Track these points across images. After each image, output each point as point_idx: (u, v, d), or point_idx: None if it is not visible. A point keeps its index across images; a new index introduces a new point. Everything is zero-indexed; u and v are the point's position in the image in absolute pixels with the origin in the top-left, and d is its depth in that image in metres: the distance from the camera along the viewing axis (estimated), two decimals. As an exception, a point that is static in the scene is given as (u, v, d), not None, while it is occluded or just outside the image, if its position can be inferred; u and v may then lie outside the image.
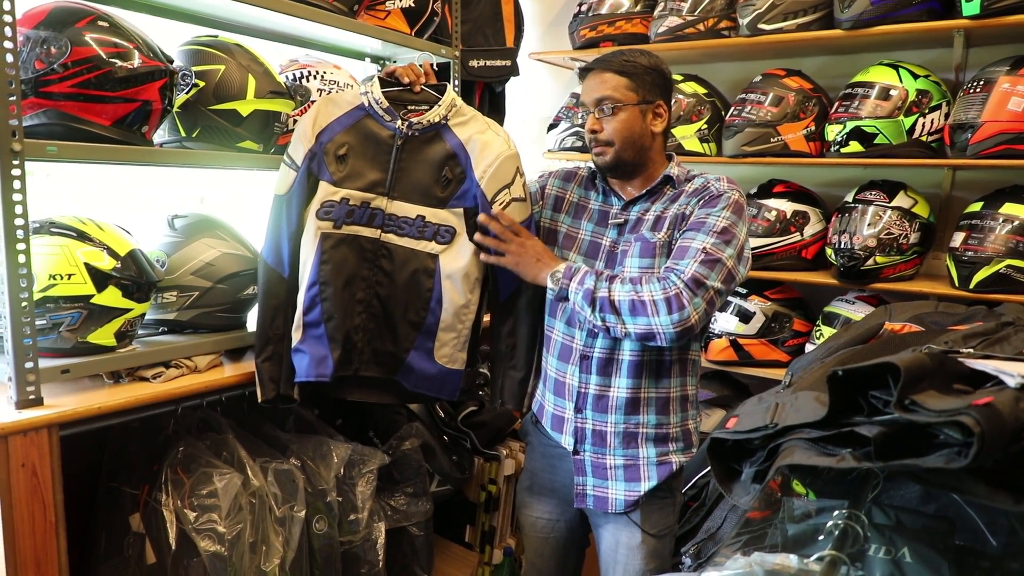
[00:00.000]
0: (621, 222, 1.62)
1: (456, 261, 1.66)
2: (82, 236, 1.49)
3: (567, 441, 1.65)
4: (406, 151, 1.64)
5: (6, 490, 1.31)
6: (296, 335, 1.64)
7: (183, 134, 1.63)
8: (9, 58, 1.28)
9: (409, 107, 1.67)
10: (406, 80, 1.67)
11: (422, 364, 1.69)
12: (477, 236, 1.65)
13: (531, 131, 3.07)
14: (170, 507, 1.52)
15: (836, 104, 2.30)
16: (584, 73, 1.63)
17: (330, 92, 1.89)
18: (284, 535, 1.63)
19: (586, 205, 1.69)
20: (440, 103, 1.65)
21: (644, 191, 1.62)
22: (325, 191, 1.61)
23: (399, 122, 1.63)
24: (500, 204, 1.64)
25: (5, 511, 1.32)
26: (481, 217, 1.64)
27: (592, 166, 1.73)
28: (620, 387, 1.59)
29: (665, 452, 1.61)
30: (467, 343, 1.72)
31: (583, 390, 1.61)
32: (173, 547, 1.50)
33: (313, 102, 1.87)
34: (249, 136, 1.69)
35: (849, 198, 2.35)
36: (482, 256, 1.65)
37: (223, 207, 2.05)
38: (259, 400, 1.67)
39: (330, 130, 1.63)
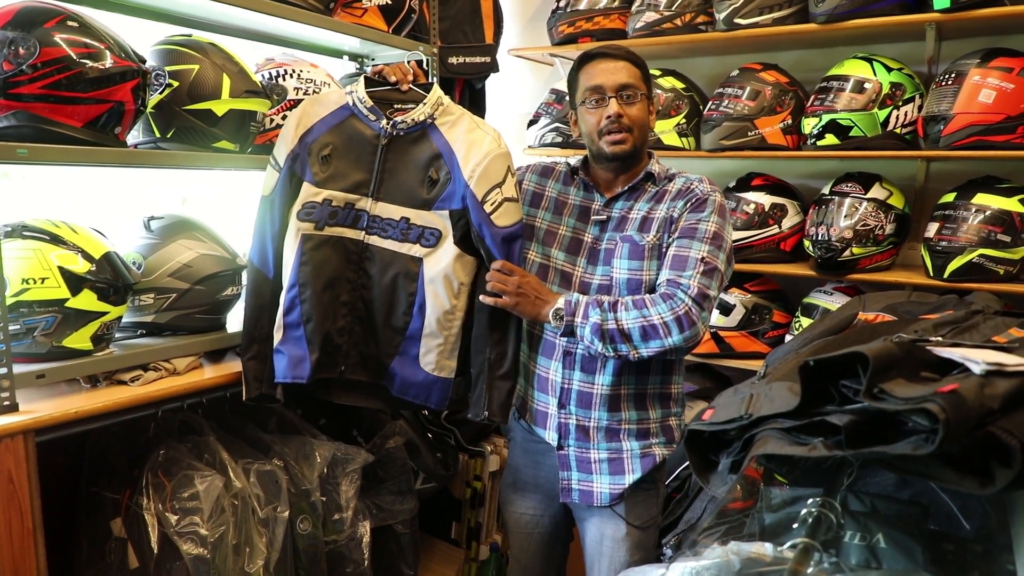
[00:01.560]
0: (603, 219, 1.62)
1: (441, 265, 1.62)
2: (55, 239, 1.48)
3: (551, 436, 1.66)
4: (391, 151, 1.62)
5: (-18, 497, 1.30)
6: (277, 335, 1.63)
7: (158, 135, 1.62)
8: (-24, 60, 1.26)
9: (395, 106, 1.65)
10: (393, 79, 1.65)
11: (407, 370, 1.66)
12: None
13: (512, 127, 3.07)
14: (152, 511, 1.51)
15: (812, 97, 2.32)
16: (588, 59, 1.61)
17: (307, 91, 1.88)
18: (268, 536, 1.63)
19: (566, 200, 1.69)
20: (425, 101, 1.63)
21: (627, 187, 1.62)
22: (307, 192, 1.60)
23: (384, 121, 1.61)
24: (491, 204, 1.59)
25: (-18, 518, 1.31)
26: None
27: (570, 162, 1.73)
28: (603, 384, 1.59)
29: (648, 445, 1.62)
30: (455, 351, 1.67)
31: (566, 386, 1.62)
32: (155, 551, 1.49)
33: (291, 101, 1.86)
34: (225, 136, 1.68)
35: (826, 190, 2.37)
36: (480, 297, 1.60)
37: (201, 208, 2.04)
38: (244, 398, 1.66)
39: (315, 131, 1.61)
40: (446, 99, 1.66)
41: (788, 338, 2.39)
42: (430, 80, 2.31)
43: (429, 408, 1.76)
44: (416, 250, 1.63)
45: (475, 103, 2.73)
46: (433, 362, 1.66)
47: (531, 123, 2.89)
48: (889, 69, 2.22)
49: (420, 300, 1.62)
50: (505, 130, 2.99)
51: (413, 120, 1.61)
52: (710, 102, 2.49)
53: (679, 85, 2.61)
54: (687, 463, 2.00)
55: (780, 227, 2.43)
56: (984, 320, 1.18)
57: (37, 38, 1.34)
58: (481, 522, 2.34)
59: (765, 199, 2.44)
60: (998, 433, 0.75)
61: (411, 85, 1.67)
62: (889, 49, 2.37)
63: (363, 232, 1.63)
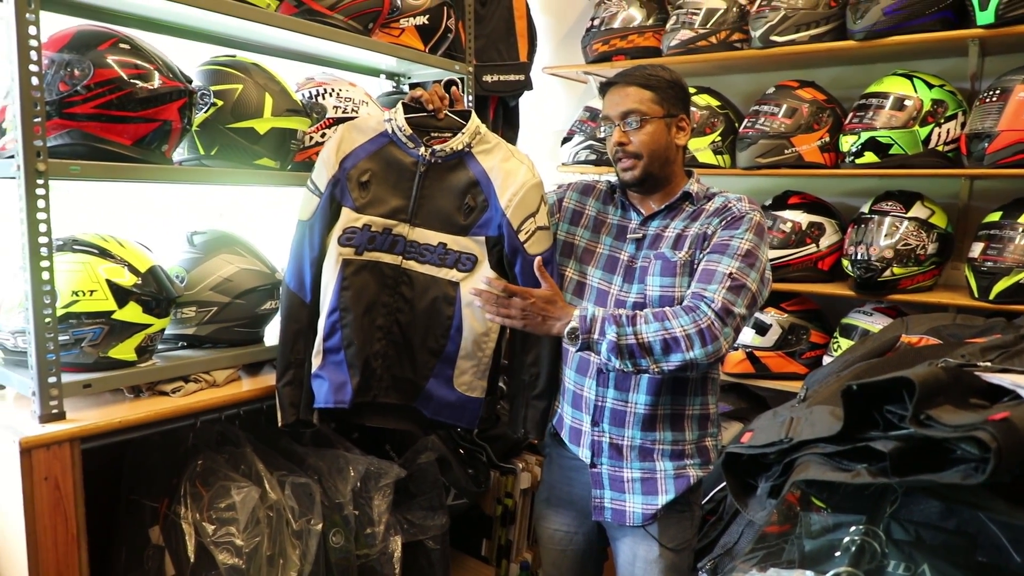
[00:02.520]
0: (639, 237, 1.62)
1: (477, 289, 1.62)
2: (104, 253, 1.52)
3: (584, 454, 1.65)
4: (429, 178, 1.63)
5: (29, 503, 1.33)
6: (316, 360, 1.63)
7: (202, 152, 1.66)
8: (35, 81, 1.31)
9: (432, 134, 1.66)
10: (430, 107, 1.66)
11: (441, 392, 1.67)
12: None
13: (545, 144, 3.09)
14: (189, 520, 1.53)
15: (850, 115, 2.29)
16: (606, 88, 1.63)
17: (346, 109, 1.91)
18: (301, 548, 1.64)
19: (605, 219, 1.69)
20: (464, 130, 1.64)
21: (663, 206, 1.62)
22: (347, 217, 1.61)
23: (422, 149, 1.63)
24: (526, 233, 1.61)
25: (28, 523, 1.34)
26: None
27: (611, 180, 1.73)
28: (638, 403, 1.58)
29: (682, 466, 1.60)
30: (487, 371, 1.69)
31: (600, 403, 1.61)
32: (192, 560, 1.51)
33: (330, 119, 1.90)
34: (266, 153, 1.72)
35: (865, 209, 2.33)
36: (488, 316, 1.57)
37: (241, 223, 2.08)
38: (279, 425, 1.67)
39: (353, 156, 1.62)
40: (483, 128, 1.67)
41: (826, 359, 2.36)
42: (466, 101, 2.35)
43: (461, 427, 1.78)
44: (453, 275, 1.64)
45: (509, 121, 2.75)
46: (467, 383, 1.68)
47: (565, 140, 2.90)
48: (930, 86, 2.19)
49: (457, 323, 1.64)
50: (538, 148, 3.03)
51: (452, 149, 1.63)
52: (746, 120, 2.48)
53: (714, 103, 2.60)
54: (722, 485, 1.97)
55: (818, 246, 2.40)
56: (1034, 345, 1.14)
57: (91, 60, 1.39)
58: (512, 540, 2.33)
59: (802, 217, 2.41)
60: (1052, 463, 0.72)
61: (448, 112, 1.68)
62: (930, 65, 2.34)
63: (400, 257, 1.64)
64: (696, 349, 1.41)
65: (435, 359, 1.66)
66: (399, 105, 1.66)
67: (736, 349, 2.46)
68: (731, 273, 1.46)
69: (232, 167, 1.69)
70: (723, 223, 1.54)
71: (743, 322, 1.47)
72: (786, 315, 2.44)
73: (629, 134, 1.57)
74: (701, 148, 2.55)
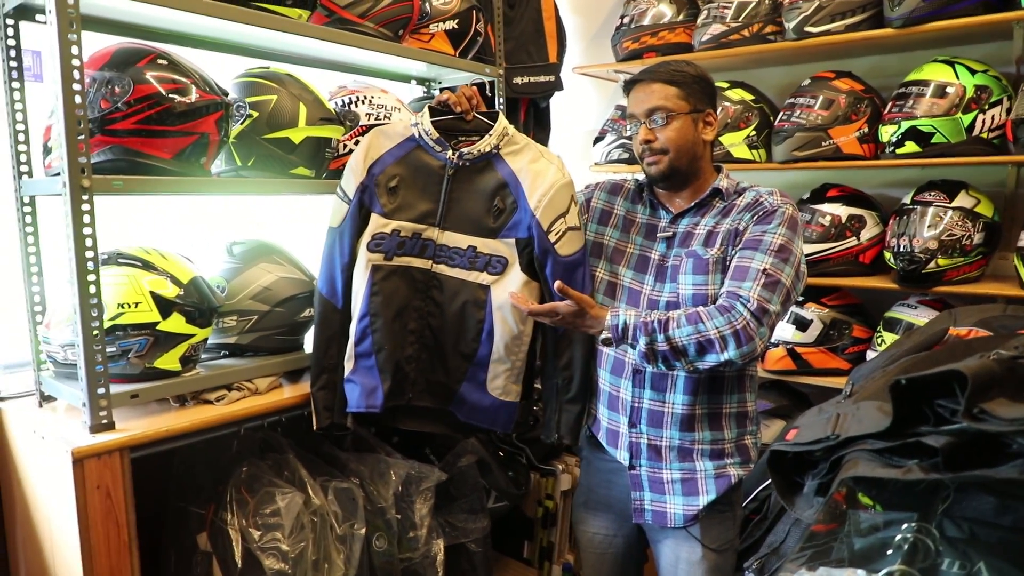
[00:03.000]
0: (669, 235, 1.60)
1: (508, 291, 1.62)
2: (147, 265, 1.56)
3: (622, 456, 1.64)
4: (457, 181, 1.64)
5: (83, 511, 1.37)
6: (348, 365, 1.65)
7: (239, 163, 1.69)
8: (78, 99, 1.35)
9: (460, 137, 1.66)
10: (458, 109, 1.67)
11: (474, 396, 1.68)
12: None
13: (577, 144, 3.08)
14: (235, 526, 1.56)
15: (890, 104, 2.24)
16: (630, 86, 1.62)
17: (378, 116, 1.93)
18: (346, 552, 1.65)
19: (634, 219, 1.68)
20: (491, 132, 1.64)
21: (693, 203, 1.60)
22: (376, 223, 1.62)
23: (450, 152, 1.63)
24: (556, 233, 1.61)
25: (82, 532, 1.37)
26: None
27: (639, 179, 1.72)
28: (675, 403, 1.57)
29: (723, 465, 1.58)
30: (521, 375, 1.69)
31: (637, 405, 1.60)
32: (239, 565, 1.54)
33: (363, 127, 1.92)
34: (302, 163, 1.74)
35: (907, 200, 2.28)
36: (526, 309, 1.57)
37: (279, 232, 2.11)
38: (315, 428, 1.69)
39: (381, 162, 1.64)
40: (511, 128, 1.67)
41: (869, 354, 2.31)
42: (496, 104, 2.35)
43: (495, 431, 1.77)
44: (484, 278, 1.64)
45: (540, 122, 2.76)
46: (500, 387, 1.67)
47: (597, 140, 2.89)
48: (973, 72, 2.13)
49: (488, 327, 1.63)
50: (570, 148, 3.02)
51: (480, 151, 1.63)
52: (781, 113, 2.44)
53: (748, 97, 2.56)
54: (766, 483, 1.94)
55: (858, 239, 2.35)
56: (1091, 334, 1.10)
57: (131, 76, 1.43)
58: (554, 542, 2.32)
59: (842, 210, 2.37)
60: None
61: (475, 114, 1.68)
62: (972, 51, 2.27)
63: (430, 261, 1.64)
64: (731, 350, 1.40)
65: (467, 363, 1.66)
66: (425, 109, 1.67)
67: (776, 345, 2.42)
68: (765, 269, 1.44)
69: (269, 177, 1.72)
70: (755, 218, 1.51)
71: (778, 318, 1.46)
72: (827, 310, 2.39)
73: (655, 131, 1.56)
74: (736, 143, 2.51)
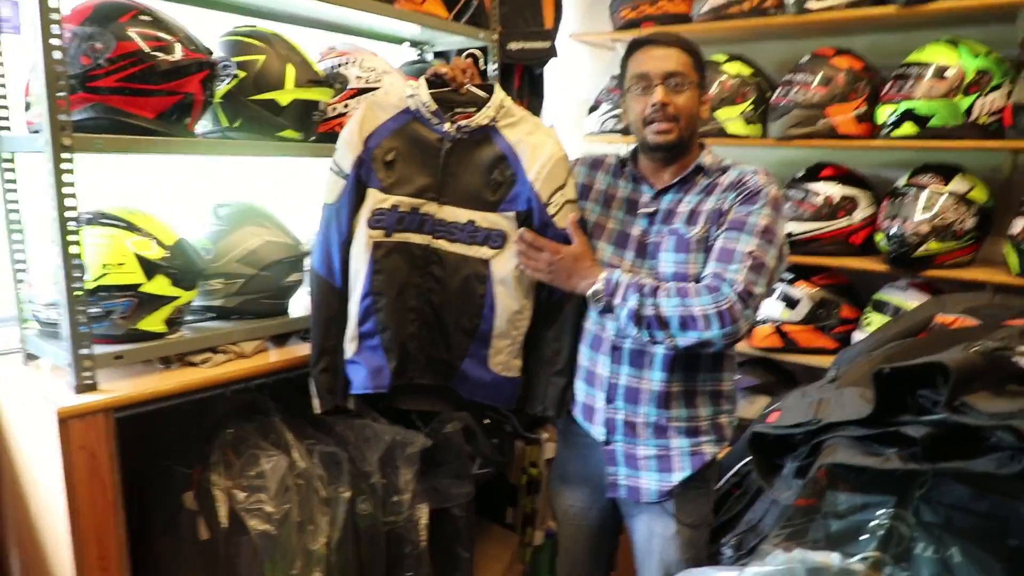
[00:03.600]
0: (652, 211, 1.58)
1: (508, 266, 1.60)
2: (131, 227, 1.53)
3: (598, 431, 1.64)
4: (455, 155, 1.60)
5: (69, 471, 1.37)
6: (350, 347, 1.62)
7: (225, 124, 1.65)
8: (57, 55, 1.31)
9: (456, 109, 1.62)
10: (453, 83, 1.62)
11: (476, 372, 1.66)
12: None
13: (571, 113, 3.03)
14: (221, 487, 1.56)
15: (889, 84, 2.21)
16: (639, 46, 1.57)
17: (368, 80, 1.89)
18: (330, 515, 1.67)
19: (615, 194, 1.65)
20: (489, 104, 1.60)
21: (676, 179, 1.58)
22: (375, 199, 1.58)
23: (447, 125, 1.59)
24: (555, 206, 1.59)
25: (69, 491, 1.37)
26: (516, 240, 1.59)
27: (619, 154, 1.69)
28: (652, 379, 1.56)
29: (698, 443, 1.59)
30: (521, 349, 1.67)
31: (614, 381, 1.60)
32: (225, 524, 1.54)
33: (353, 89, 1.87)
34: (289, 125, 1.70)
35: (901, 182, 2.26)
36: (518, 264, 1.59)
37: (265, 195, 2.08)
38: (317, 411, 1.67)
39: (377, 135, 1.59)
40: (508, 100, 1.63)
41: (856, 335, 2.31)
42: (488, 71, 2.30)
43: (497, 407, 1.76)
44: (484, 252, 1.61)
45: (534, 89, 2.70)
46: (503, 363, 1.66)
47: (592, 109, 2.85)
48: (975, 54, 2.09)
49: (490, 302, 1.61)
50: (564, 117, 2.97)
51: (477, 124, 1.59)
52: (779, 88, 2.40)
53: (745, 71, 2.52)
54: (746, 460, 1.96)
55: (851, 219, 2.34)
56: (1076, 326, 1.10)
57: (113, 32, 1.38)
58: (537, 508, 2.35)
59: (835, 190, 2.35)
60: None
61: (470, 87, 1.64)
62: (975, 32, 2.23)
63: (429, 236, 1.61)
64: (714, 329, 1.40)
65: (469, 339, 1.64)
66: (422, 80, 1.62)
67: (765, 323, 2.42)
68: (751, 252, 1.42)
69: (255, 139, 1.68)
70: (740, 198, 1.49)
71: (761, 300, 1.45)
72: (816, 289, 2.39)
73: (671, 95, 1.52)
74: (732, 118, 2.48)
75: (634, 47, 1.58)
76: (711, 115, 2.47)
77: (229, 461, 1.59)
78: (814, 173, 2.42)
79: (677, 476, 1.58)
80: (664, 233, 1.55)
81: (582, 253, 1.54)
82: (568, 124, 2.84)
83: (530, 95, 2.69)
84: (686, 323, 1.41)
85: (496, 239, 1.61)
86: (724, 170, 1.56)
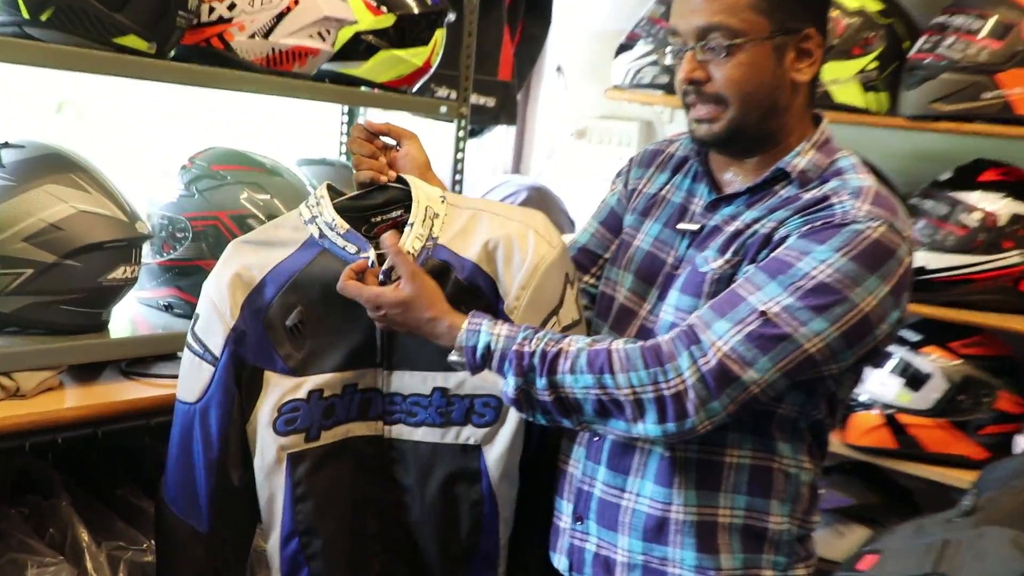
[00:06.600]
0: (696, 229, 1.58)
1: (509, 449, 1.63)
2: None
3: (560, 562, 1.65)
4: None
5: None
6: None
7: (25, 16, 1.63)
8: None
9: (374, 219, 1.64)
10: (381, 180, 1.64)
11: None
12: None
13: (587, 55, 3.07)
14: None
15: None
16: None
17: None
18: None
19: (666, 197, 1.68)
20: (410, 221, 1.60)
21: (747, 186, 1.56)
22: (280, 387, 1.59)
23: (371, 252, 1.59)
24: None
25: None
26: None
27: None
28: (638, 493, 1.55)
29: None
30: None
31: (587, 487, 1.60)
32: None
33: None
34: (133, 28, 1.70)
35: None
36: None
37: (91, 136, 2.07)
38: None
39: (266, 290, 1.59)
40: (436, 192, 1.64)
41: (1020, 441, 2.33)
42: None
43: None
44: (468, 433, 1.62)
45: (536, 14, 2.73)
46: None
47: (622, 49, 2.89)
48: None
49: (489, 509, 1.63)
50: (579, 60, 2.96)
51: (412, 251, 1.59)
52: (922, 38, 2.44)
53: (873, 6, 2.56)
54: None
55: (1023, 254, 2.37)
56: None
57: None
58: None
59: (1001, 205, 2.39)
60: None
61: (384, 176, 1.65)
62: None
63: (380, 423, 1.64)
64: (649, 423, 1.38)
65: (462, 567, 1.68)
66: (321, 190, 1.63)
67: (869, 407, 2.44)
68: (765, 311, 1.38)
69: (74, 46, 1.68)
70: (806, 227, 1.45)
71: (764, 394, 1.40)
72: (959, 362, 2.42)
73: (707, 65, 1.50)
74: (843, 79, 2.52)
75: None
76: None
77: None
78: (969, 176, 2.46)
79: None
80: (690, 263, 1.56)
81: (410, 299, 1.50)
82: (583, 73, 2.82)
83: (529, 19, 2.73)
84: (606, 410, 1.41)
85: (483, 410, 1.61)
86: (826, 180, 1.53)
